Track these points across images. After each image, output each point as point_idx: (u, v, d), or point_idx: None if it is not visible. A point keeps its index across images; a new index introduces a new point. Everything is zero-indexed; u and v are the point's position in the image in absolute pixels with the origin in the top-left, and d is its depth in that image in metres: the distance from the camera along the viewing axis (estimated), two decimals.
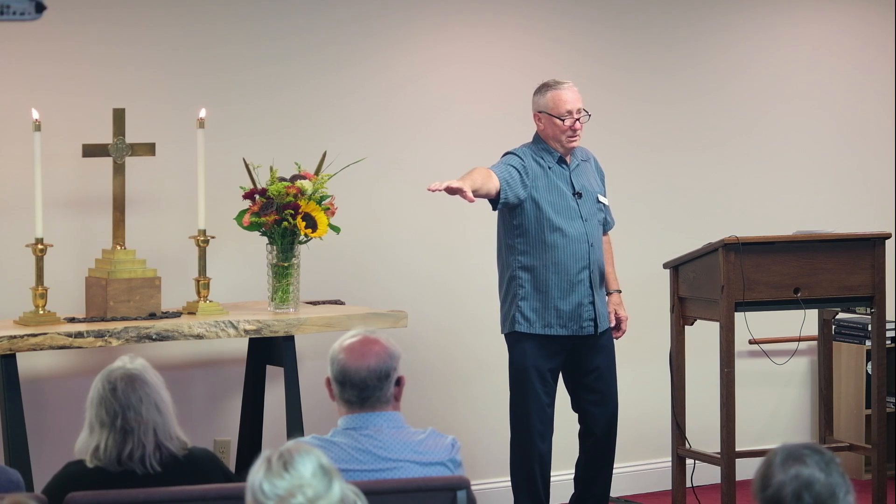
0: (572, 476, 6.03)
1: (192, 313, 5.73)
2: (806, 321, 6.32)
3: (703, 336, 6.25)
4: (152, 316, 5.62)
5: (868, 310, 6.15)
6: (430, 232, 6.59)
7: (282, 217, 5.71)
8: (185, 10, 6.15)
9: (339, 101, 6.44)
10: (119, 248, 5.72)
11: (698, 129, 7.15)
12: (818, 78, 7.39)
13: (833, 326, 6.68)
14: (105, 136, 5.73)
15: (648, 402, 6.84)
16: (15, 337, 5.30)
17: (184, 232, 5.93)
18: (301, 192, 5.73)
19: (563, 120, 5.78)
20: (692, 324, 6.11)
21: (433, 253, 6.62)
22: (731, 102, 7.20)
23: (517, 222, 5.79)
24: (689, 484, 6.19)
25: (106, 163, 5.75)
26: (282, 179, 5.79)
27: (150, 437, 3.70)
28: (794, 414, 7.34)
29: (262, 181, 5.80)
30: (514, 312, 5.81)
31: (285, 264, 5.81)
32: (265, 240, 5.85)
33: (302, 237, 5.80)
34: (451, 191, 5.42)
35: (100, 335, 5.41)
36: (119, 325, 5.47)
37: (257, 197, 5.76)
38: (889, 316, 6.79)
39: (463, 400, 6.66)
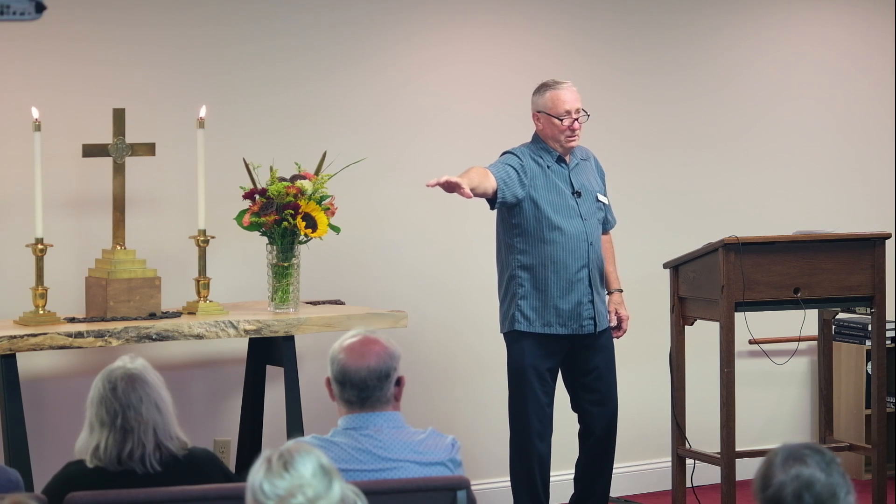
0: (572, 476, 6.02)
1: (192, 313, 5.73)
2: (806, 321, 6.32)
3: (703, 336, 6.25)
4: (152, 316, 5.62)
5: (868, 310, 6.15)
6: (430, 231, 6.59)
7: (282, 217, 5.71)
8: (185, 10, 6.15)
9: (339, 101, 6.44)
10: (119, 248, 5.72)
11: (698, 129, 7.15)
12: (818, 78, 7.39)
13: (833, 326, 6.68)
14: (105, 136, 5.73)
15: (648, 402, 6.83)
16: (15, 337, 5.30)
17: (184, 232, 5.93)
18: (301, 192, 5.73)
19: (561, 120, 5.78)
20: (692, 324, 6.11)
21: (433, 253, 6.62)
22: (731, 102, 7.20)
23: (516, 221, 5.79)
24: (689, 484, 6.19)
25: (106, 163, 5.75)
26: (282, 179, 5.79)
27: (151, 437, 3.70)
28: (794, 414, 7.34)
29: (262, 181, 5.80)
30: (513, 311, 5.80)
31: (285, 264, 5.81)
32: (265, 240, 5.85)
33: (302, 237, 5.80)
34: (449, 187, 5.42)
35: (100, 335, 5.41)
36: (119, 325, 5.47)
37: (257, 197, 5.76)
38: (889, 316, 6.79)
39: (463, 400, 6.66)
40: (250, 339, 5.95)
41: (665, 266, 6.17)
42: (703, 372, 6.50)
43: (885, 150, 7.50)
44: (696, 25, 7.14)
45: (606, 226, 6.04)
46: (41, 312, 5.52)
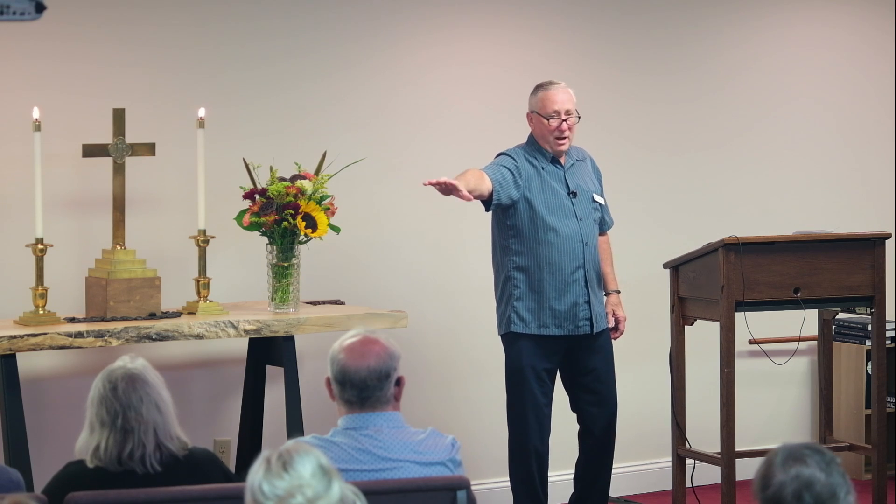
0: (571, 476, 6.02)
1: (192, 313, 5.73)
2: (806, 321, 6.32)
3: (703, 336, 6.25)
4: (152, 316, 5.62)
5: (868, 310, 6.15)
6: (430, 232, 6.59)
7: (282, 217, 5.71)
8: (185, 10, 6.15)
9: (339, 101, 6.44)
10: (119, 248, 5.72)
11: (698, 129, 7.15)
12: (818, 78, 7.39)
13: (833, 326, 6.68)
14: (105, 136, 5.73)
15: (648, 402, 6.83)
16: (15, 337, 5.30)
17: (184, 232, 5.93)
18: (301, 192, 5.73)
19: (548, 120, 5.77)
20: (692, 324, 6.11)
21: (433, 253, 6.62)
22: (731, 102, 7.20)
23: (511, 223, 5.79)
24: (689, 484, 6.19)
25: (106, 163, 5.75)
26: (282, 179, 5.79)
27: (151, 437, 3.70)
28: (794, 414, 7.34)
29: (262, 181, 5.80)
30: (509, 313, 5.81)
31: (285, 264, 5.81)
32: (265, 240, 5.85)
33: (302, 237, 5.80)
34: (446, 189, 5.41)
35: (100, 335, 5.41)
36: (119, 325, 5.47)
37: (257, 197, 5.76)
38: (889, 316, 6.79)
39: (463, 400, 6.66)
40: (250, 339, 5.95)
41: (665, 266, 6.17)
42: (703, 372, 6.50)
43: (885, 150, 7.50)
44: (697, 26, 7.14)
45: (604, 226, 6.04)
46: (41, 312, 5.52)
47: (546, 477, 5.88)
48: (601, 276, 5.95)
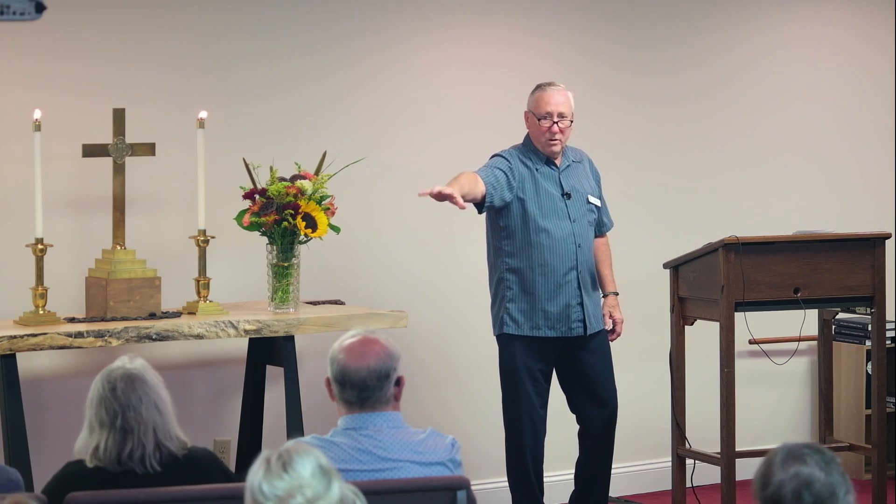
0: (571, 476, 6.02)
1: (192, 313, 5.73)
2: (806, 321, 6.33)
3: (703, 336, 6.25)
4: (152, 316, 5.62)
5: (868, 310, 6.15)
6: (430, 231, 6.59)
7: (282, 217, 5.71)
8: (185, 10, 6.15)
9: (339, 101, 6.44)
10: (119, 248, 5.72)
11: (698, 129, 7.15)
12: (818, 78, 7.39)
13: (833, 326, 6.68)
14: (105, 136, 5.73)
15: (648, 402, 6.83)
16: (15, 337, 5.30)
17: (184, 232, 5.93)
18: (301, 192, 5.73)
19: (540, 121, 5.77)
20: (692, 324, 6.11)
21: (433, 253, 6.62)
22: (731, 103, 7.20)
23: (504, 224, 5.79)
24: (689, 484, 6.19)
25: (106, 163, 5.75)
26: (282, 179, 5.79)
27: (150, 437, 3.70)
28: (794, 414, 7.34)
29: (262, 181, 5.80)
30: (502, 315, 5.81)
31: (285, 264, 5.81)
32: (265, 240, 5.85)
33: (302, 237, 5.80)
34: (441, 197, 5.41)
35: (100, 335, 5.41)
36: (119, 325, 5.47)
37: (257, 197, 5.76)
38: (889, 316, 6.79)
39: (462, 400, 6.66)
40: (250, 339, 5.95)
41: (665, 266, 6.17)
42: (703, 372, 6.50)
43: (885, 150, 7.50)
44: (697, 25, 7.14)
45: (602, 228, 6.03)
46: (41, 312, 5.52)
47: (541, 474, 5.87)
48: (597, 278, 5.94)
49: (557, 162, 5.85)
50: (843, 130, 7.44)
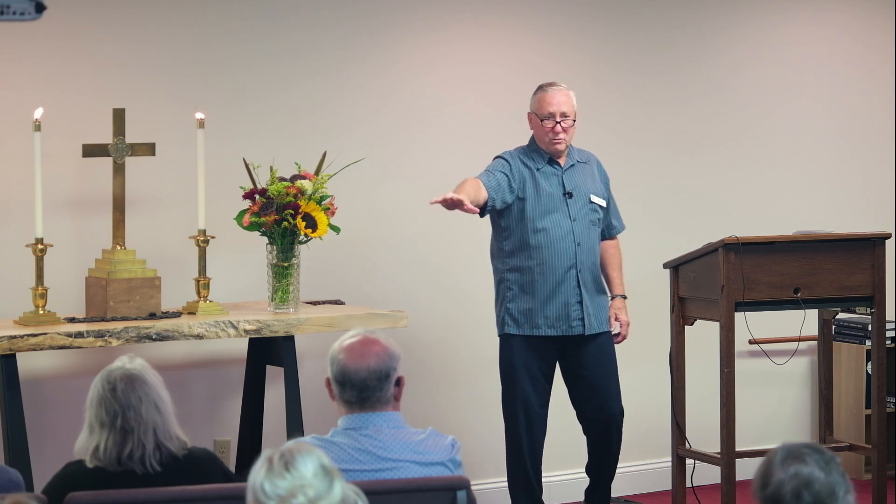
0: (572, 476, 6.02)
1: (192, 313, 5.73)
2: (806, 321, 6.32)
3: (703, 336, 6.25)
4: (152, 316, 5.62)
5: (868, 310, 6.15)
6: (430, 231, 6.59)
7: (282, 217, 5.71)
8: (185, 10, 6.15)
9: (339, 101, 6.44)
10: (119, 248, 5.72)
11: (698, 129, 7.15)
12: (818, 78, 7.39)
13: (833, 326, 6.68)
14: (105, 136, 5.73)
15: (648, 402, 6.83)
16: (15, 337, 5.30)
17: (184, 232, 5.93)
18: (301, 192, 5.73)
19: (543, 121, 5.78)
20: (692, 324, 6.11)
21: (433, 253, 6.62)
22: (731, 102, 7.20)
23: (504, 224, 5.82)
24: (689, 484, 6.19)
25: (106, 163, 5.75)
26: (282, 179, 5.79)
27: (150, 437, 3.70)
28: (794, 414, 7.34)
29: (262, 181, 5.80)
30: (503, 314, 5.83)
31: (285, 264, 5.81)
32: (265, 240, 5.85)
33: (302, 237, 5.80)
34: (451, 204, 5.43)
35: (100, 335, 5.41)
36: (119, 325, 5.47)
37: (257, 197, 5.76)
38: (889, 316, 6.79)
39: (463, 400, 6.66)
40: (250, 339, 5.95)
41: (665, 266, 6.17)
42: (703, 372, 6.50)
43: (885, 150, 7.50)
44: (696, 25, 7.14)
45: (612, 231, 6.03)
46: (41, 312, 5.52)
47: (540, 474, 5.87)
48: (605, 280, 5.95)
49: (561, 161, 5.85)
50: (843, 130, 7.44)
